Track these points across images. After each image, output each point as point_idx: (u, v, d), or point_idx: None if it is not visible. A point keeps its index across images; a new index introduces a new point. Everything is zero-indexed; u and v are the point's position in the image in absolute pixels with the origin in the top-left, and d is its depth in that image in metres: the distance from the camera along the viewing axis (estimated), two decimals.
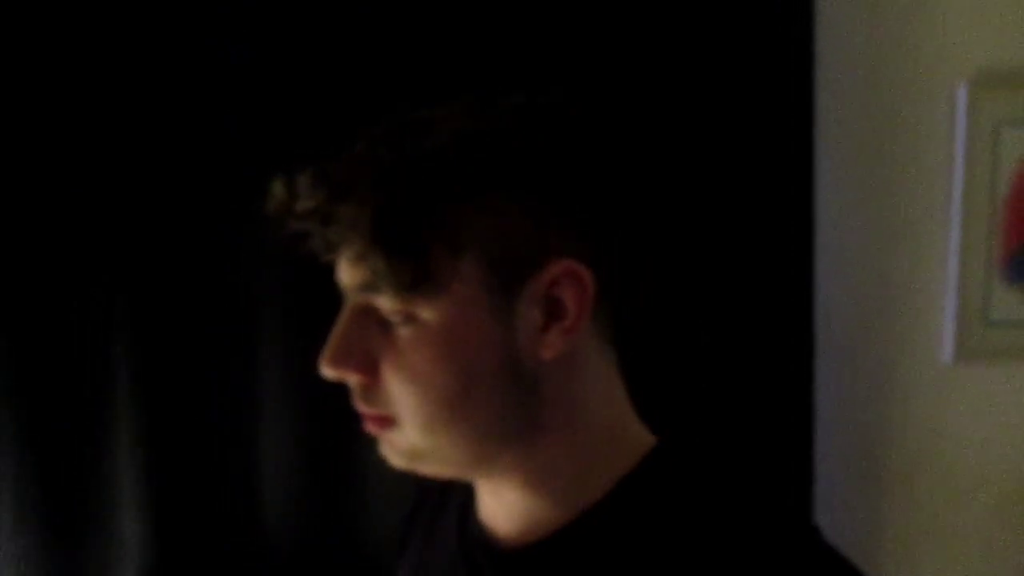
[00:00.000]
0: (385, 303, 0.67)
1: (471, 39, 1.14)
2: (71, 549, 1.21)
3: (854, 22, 1.24)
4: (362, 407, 0.70)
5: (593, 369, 0.71)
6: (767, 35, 1.16)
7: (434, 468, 0.71)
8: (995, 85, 1.25)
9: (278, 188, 0.68)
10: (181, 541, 1.21)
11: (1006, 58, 1.26)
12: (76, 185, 1.15)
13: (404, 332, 0.67)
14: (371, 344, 0.68)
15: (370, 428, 0.71)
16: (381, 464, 1.17)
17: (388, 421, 0.69)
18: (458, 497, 0.81)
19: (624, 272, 0.70)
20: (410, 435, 0.69)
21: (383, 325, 0.68)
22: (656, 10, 1.16)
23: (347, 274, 0.69)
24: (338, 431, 1.20)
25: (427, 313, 0.66)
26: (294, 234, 0.68)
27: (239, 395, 1.22)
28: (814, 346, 1.23)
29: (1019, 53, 1.26)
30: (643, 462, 0.71)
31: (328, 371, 0.69)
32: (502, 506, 0.74)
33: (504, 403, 0.68)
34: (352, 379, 0.69)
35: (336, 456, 1.22)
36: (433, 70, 1.13)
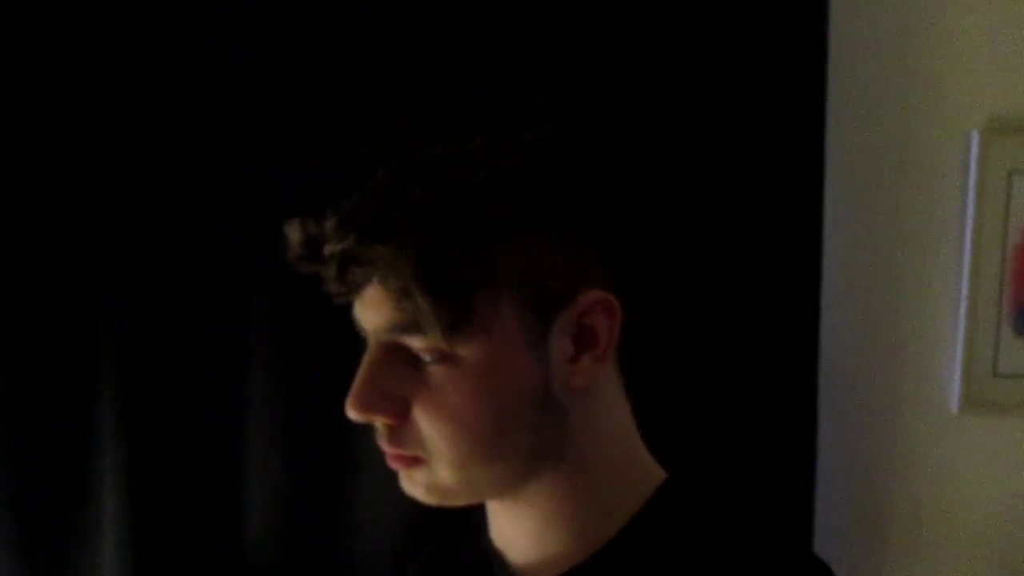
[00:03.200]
0: (418, 342, 0.66)
1: (476, 39, 1.12)
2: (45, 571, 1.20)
3: (866, 67, 1.22)
4: (388, 447, 0.69)
5: (611, 397, 0.72)
6: (780, 76, 1.15)
7: (462, 501, 0.71)
8: (1009, 132, 1.24)
9: (297, 231, 0.67)
10: (162, 563, 1.20)
11: (1020, 105, 1.24)
12: (65, 187, 1.15)
13: (438, 371, 0.66)
14: (402, 385, 0.67)
15: (394, 464, 0.70)
16: (371, 481, 1.17)
17: (417, 461, 0.68)
18: (472, 518, 0.81)
19: (641, 298, 0.71)
20: (441, 474, 0.68)
21: (414, 364, 0.67)
22: (668, 41, 1.15)
23: (373, 315, 0.67)
24: (327, 448, 1.19)
25: (464, 351, 0.65)
26: (310, 276, 0.67)
27: (225, 410, 1.21)
28: (818, 392, 1.21)
29: None
30: (654, 499, 0.72)
31: (356, 415, 0.67)
32: (520, 535, 0.74)
33: (537, 435, 0.68)
34: (381, 421, 0.68)
35: (325, 475, 1.21)
36: (434, 70, 1.12)
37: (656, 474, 0.74)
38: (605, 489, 0.71)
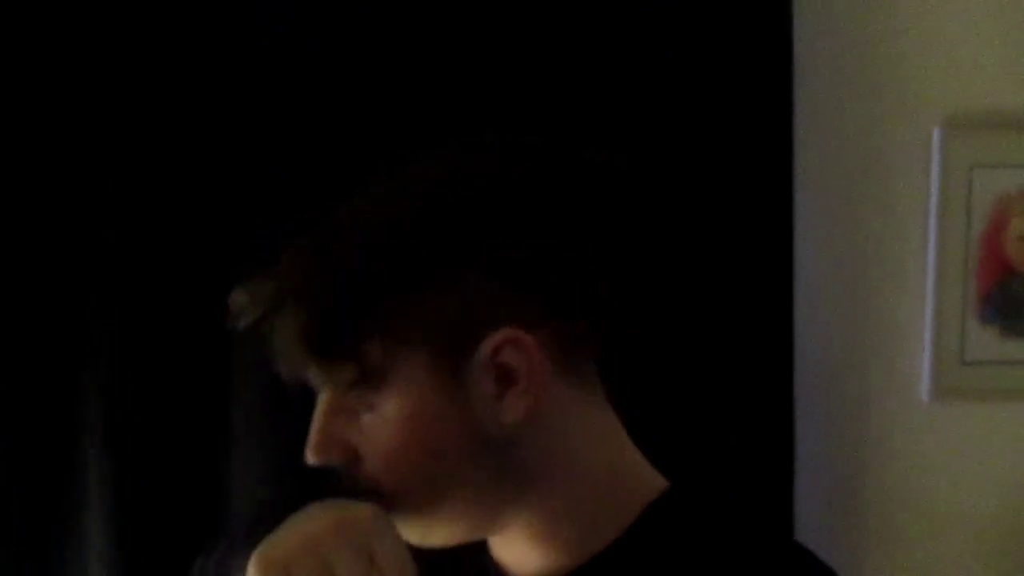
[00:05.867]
0: (344, 397, 0.69)
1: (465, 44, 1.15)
2: None
3: (831, 69, 1.26)
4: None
5: (575, 420, 0.71)
6: (748, 80, 1.18)
7: (442, 540, 0.72)
8: (969, 128, 1.28)
9: (231, 301, 0.70)
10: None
11: (980, 101, 1.28)
12: (46, 204, 1.15)
13: (367, 419, 0.69)
14: (347, 431, 0.70)
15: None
16: None
17: (383, 502, 0.69)
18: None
19: (599, 315, 0.70)
20: (403, 515, 0.69)
21: (353, 413, 0.69)
22: (633, 41, 1.17)
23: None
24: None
25: (381, 400, 0.67)
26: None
27: (211, 418, 1.21)
28: (794, 385, 1.23)
29: (992, 97, 1.28)
30: (651, 507, 0.72)
31: (311, 460, 0.70)
32: (513, 555, 0.75)
33: (482, 471, 0.69)
34: (335, 464, 0.70)
35: (313, 483, 1.21)
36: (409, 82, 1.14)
37: (655, 484, 0.74)
38: (593, 505, 0.71)
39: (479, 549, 0.79)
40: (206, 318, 1.17)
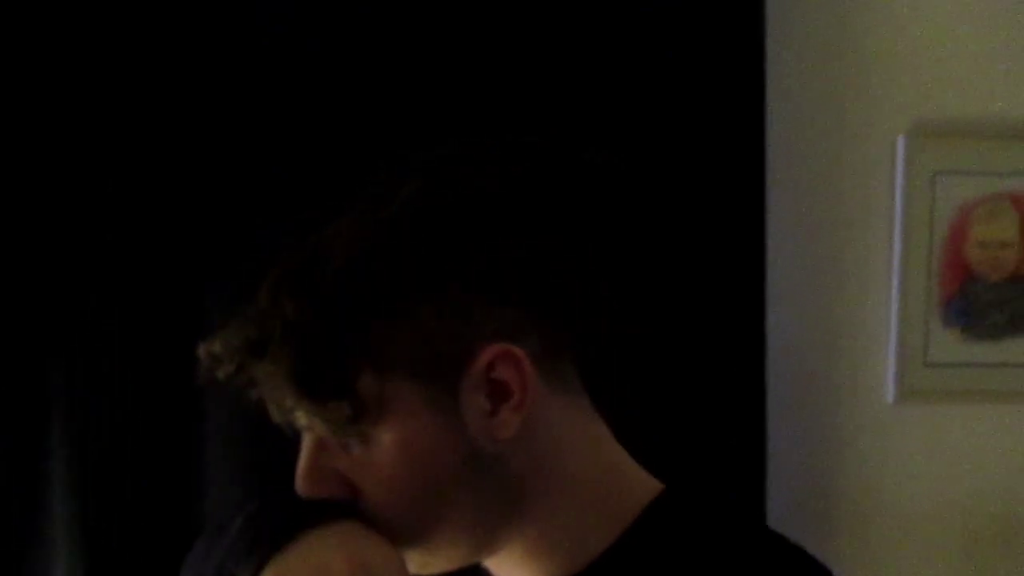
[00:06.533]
0: (336, 434, 0.67)
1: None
2: None
3: (801, 76, 1.29)
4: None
5: (563, 428, 0.70)
6: (720, 93, 1.20)
7: (442, 566, 0.71)
8: (932, 136, 1.31)
9: (203, 353, 0.67)
10: None
11: (943, 110, 1.32)
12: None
13: (362, 453, 0.67)
14: (340, 465, 0.68)
15: None
16: None
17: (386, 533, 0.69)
18: None
19: (576, 319, 0.70)
20: (404, 544, 0.68)
21: (344, 445, 0.68)
22: (603, 46, 1.19)
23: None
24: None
25: (377, 432, 0.66)
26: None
27: (183, 437, 1.20)
28: (766, 388, 1.26)
29: (955, 106, 1.32)
30: (645, 512, 0.71)
31: (304, 494, 0.69)
32: (508, 570, 0.74)
33: (478, 492, 0.68)
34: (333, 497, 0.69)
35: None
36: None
37: (644, 487, 0.73)
38: (583, 514, 0.71)
39: (475, 567, 0.78)
40: (179, 321, 1.18)
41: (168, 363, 1.18)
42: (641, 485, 0.73)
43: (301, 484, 0.68)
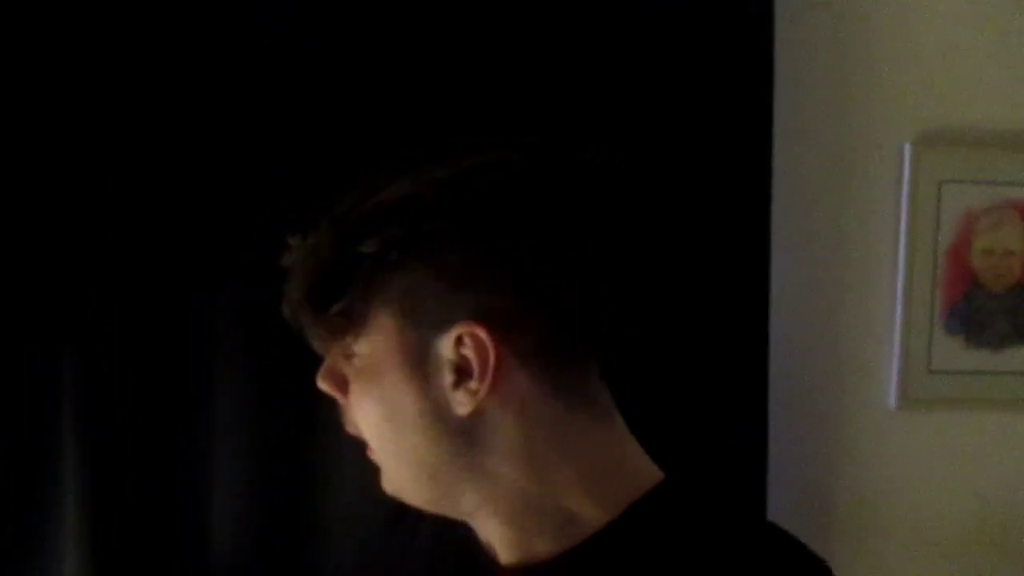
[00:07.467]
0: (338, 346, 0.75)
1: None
2: None
3: (809, 84, 1.30)
4: (349, 429, 0.78)
5: (550, 421, 0.72)
6: (728, 91, 1.21)
7: (410, 500, 0.77)
8: (938, 144, 1.32)
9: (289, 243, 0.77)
10: None
11: (949, 119, 1.33)
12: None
13: (347, 364, 0.75)
14: (346, 371, 0.76)
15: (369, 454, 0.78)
16: (340, 496, 1.18)
17: (367, 445, 0.77)
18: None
19: (577, 320, 0.72)
20: (376, 456, 0.76)
21: (347, 357, 0.75)
22: (611, 51, 1.19)
23: None
24: (296, 462, 1.20)
25: (358, 350, 0.73)
26: None
27: (192, 426, 1.20)
28: (768, 392, 1.27)
29: (960, 114, 1.33)
30: (640, 500, 0.73)
31: (319, 385, 0.78)
32: (490, 535, 0.77)
33: (437, 446, 0.72)
34: (333, 394, 0.77)
35: (292, 507, 1.22)
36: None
37: (651, 475, 0.75)
38: (572, 499, 0.72)
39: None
40: (180, 321, 1.19)
41: (170, 363, 1.19)
42: (642, 474, 0.76)
43: (318, 378, 0.77)
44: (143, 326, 1.18)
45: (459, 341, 0.69)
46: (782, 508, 1.31)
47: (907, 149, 1.32)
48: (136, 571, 1.19)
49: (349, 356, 0.74)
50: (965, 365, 1.35)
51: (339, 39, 1.15)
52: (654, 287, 1.18)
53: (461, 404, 0.70)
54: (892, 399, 1.35)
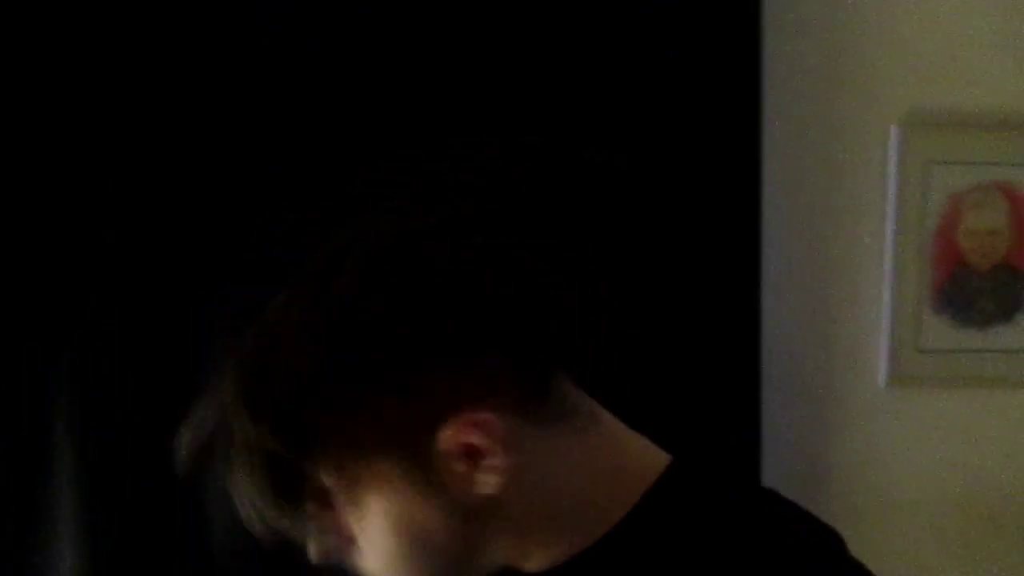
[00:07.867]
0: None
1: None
2: None
3: (797, 66, 1.31)
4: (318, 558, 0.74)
5: (543, 452, 0.70)
6: (714, 74, 1.22)
7: None
8: (925, 126, 1.33)
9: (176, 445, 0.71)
10: None
11: (935, 101, 1.34)
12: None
13: (354, 513, 0.70)
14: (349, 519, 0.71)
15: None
16: None
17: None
18: None
19: (556, 356, 0.71)
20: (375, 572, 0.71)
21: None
22: (599, 39, 1.20)
23: None
24: None
25: (366, 501, 0.68)
26: None
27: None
28: (761, 372, 1.28)
29: (947, 96, 1.34)
30: (655, 485, 0.72)
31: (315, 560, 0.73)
32: (508, 556, 0.75)
33: (470, 534, 0.70)
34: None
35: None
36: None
37: (658, 460, 0.74)
38: (578, 508, 0.71)
39: None
40: (180, 321, 1.19)
41: (169, 363, 1.19)
42: (649, 461, 0.74)
43: (311, 552, 0.73)
44: (142, 326, 1.18)
45: (460, 433, 0.65)
46: (775, 485, 1.31)
47: (894, 130, 1.33)
48: (136, 571, 1.20)
49: (355, 507, 0.69)
50: (953, 344, 1.37)
51: (339, 39, 1.16)
52: (644, 272, 1.20)
53: (485, 484, 0.66)
54: (882, 378, 1.37)
